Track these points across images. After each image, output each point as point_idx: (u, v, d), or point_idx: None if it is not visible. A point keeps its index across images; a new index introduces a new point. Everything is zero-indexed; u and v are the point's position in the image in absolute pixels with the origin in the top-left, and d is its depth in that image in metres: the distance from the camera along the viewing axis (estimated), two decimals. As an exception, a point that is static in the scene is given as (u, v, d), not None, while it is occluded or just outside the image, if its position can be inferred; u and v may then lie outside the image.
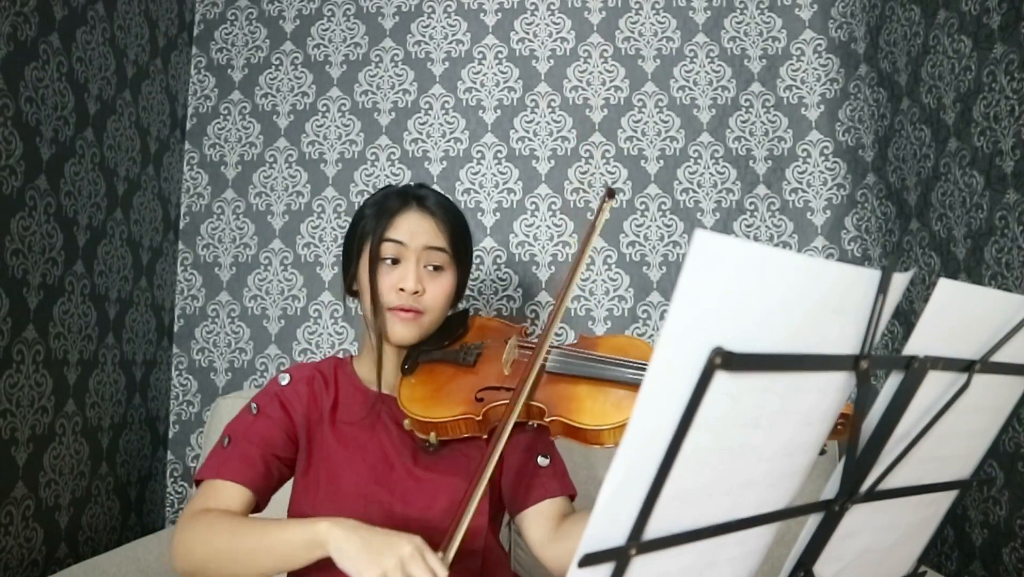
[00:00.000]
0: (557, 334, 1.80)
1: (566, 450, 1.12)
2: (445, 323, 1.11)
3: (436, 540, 1.00)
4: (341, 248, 1.16)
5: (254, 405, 1.05)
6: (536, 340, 1.04)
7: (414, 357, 1.07)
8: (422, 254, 1.04)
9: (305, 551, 0.82)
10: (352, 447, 1.04)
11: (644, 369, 0.87)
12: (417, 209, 1.06)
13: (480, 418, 0.95)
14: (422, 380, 1.04)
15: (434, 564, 0.77)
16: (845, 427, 0.82)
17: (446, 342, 1.10)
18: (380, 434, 1.05)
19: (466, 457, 1.05)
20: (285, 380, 1.08)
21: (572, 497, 1.09)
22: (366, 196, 1.85)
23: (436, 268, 1.06)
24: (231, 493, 0.96)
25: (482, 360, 1.05)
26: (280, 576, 0.90)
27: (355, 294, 1.11)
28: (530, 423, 0.95)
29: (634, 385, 0.90)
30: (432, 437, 0.98)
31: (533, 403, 0.94)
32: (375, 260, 1.03)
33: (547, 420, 0.92)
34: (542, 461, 1.08)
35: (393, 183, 1.87)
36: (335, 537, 0.80)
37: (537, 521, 1.05)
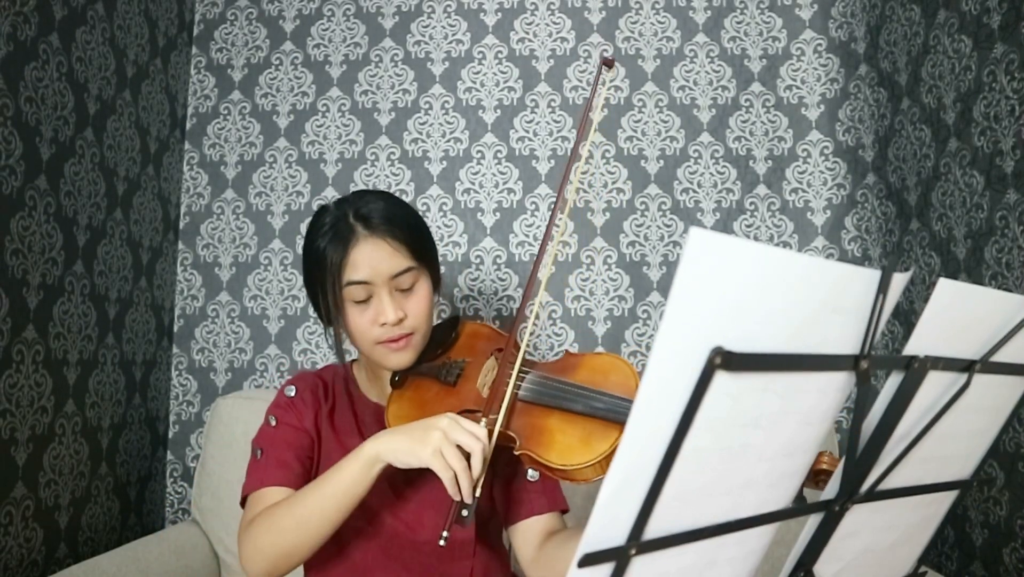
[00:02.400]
0: (558, 333, 1.80)
1: None
2: (437, 331, 1.10)
3: (426, 554, 1.03)
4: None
5: (272, 418, 1.07)
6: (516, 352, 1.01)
7: (402, 371, 1.07)
8: (389, 283, 1.00)
9: (365, 473, 0.89)
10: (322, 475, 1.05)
11: (617, 401, 0.88)
12: (369, 236, 0.99)
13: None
14: (408, 396, 1.05)
15: (471, 427, 0.87)
16: (822, 480, 0.83)
17: (439, 351, 1.10)
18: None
19: None
20: (292, 392, 1.10)
21: (564, 511, 1.08)
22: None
23: (409, 288, 1.02)
24: (276, 496, 0.99)
25: (462, 379, 1.04)
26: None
27: (330, 322, 1.08)
28: (503, 446, 0.95)
29: (604, 419, 0.88)
30: None
31: (505, 431, 0.93)
32: (341, 306, 1.00)
33: (517, 452, 0.92)
34: (531, 475, 1.08)
35: (393, 183, 1.88)
36: (382, 446, 0.88)
37: (523, 538, 1.05)
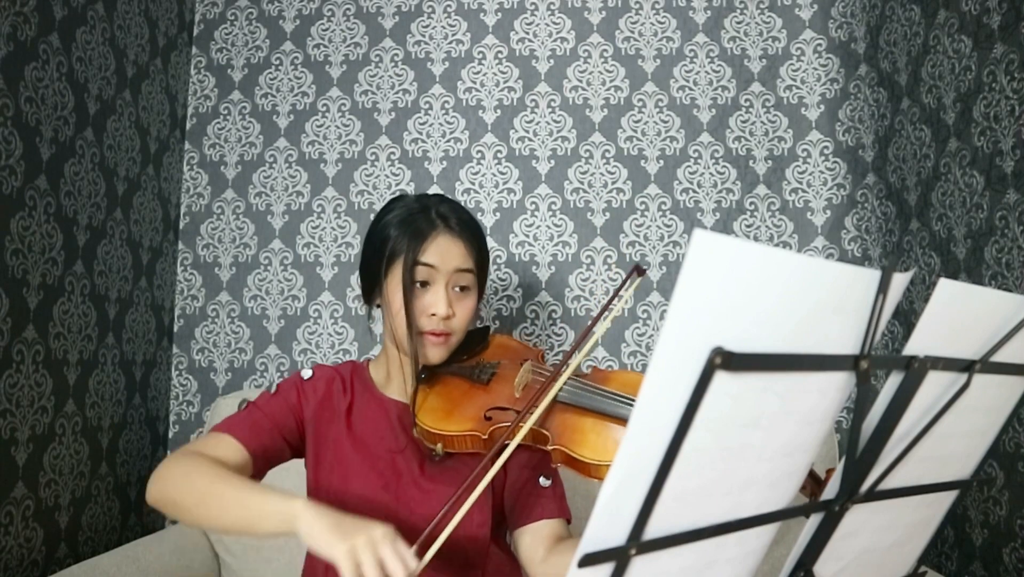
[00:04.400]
0: (558, 333, 1.80)
1: (568, 476, 1.12)
2: (466, 338, 1.12)
3: (438, 555, 1.02)
4: (359, 263, 1.15)
5: (275, 386, 1.09)
6: (550, 367, 1.06)
7: (431, 369, 1.09)
8: (451, 277, 1.05)
9: (274, 522, 0.82)
10: (364, 452, 1.06)
11: None
12: (446, 231, 1.06)
13: (486, 437, 0.96)
14: (437, 392, 1.05)
15: (404, 552, 0.75)
16: (809, 486, 0.83)
17: (465, 357, 1.11)
18: (391, 440, 1.07)
19: (470, 469, 1.05)
20: (308, 375, 1.12)
21: (568, 521, 1.10)
22: (366, 196, 1.86)
23: (463, 289, 1.07)
24: (231, 448, 0.98)
25: (496, 379, 1.06)
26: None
27: (377, 306, 1.12)
28: (535, 446, 0.96)
29: None
30: (439, 447, 0.99)
31: (539, 429, 0.94)
32: (408, 284, 1.03)
33: (549, 448, 0.93)
34: (544, 481, 1.09)
35: (393, 183, 1.88)
36: (307, 517, 0.79)
37: (532, 539, 1.06)
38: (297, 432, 1.07)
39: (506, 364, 1.09)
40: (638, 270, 1.02)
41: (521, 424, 0.92)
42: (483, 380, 1.05)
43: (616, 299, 1.07)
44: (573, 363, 0.96)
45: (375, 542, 0.75)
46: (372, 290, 1.10)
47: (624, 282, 1.04)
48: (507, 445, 0.90)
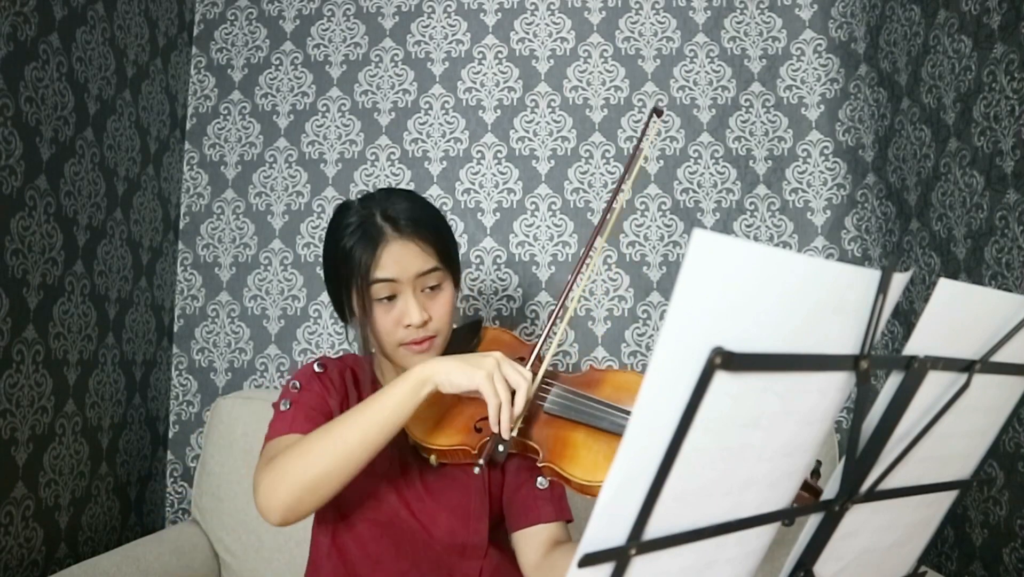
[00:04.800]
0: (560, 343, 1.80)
1: None
2: (458, 333, 1.10)
3: (437, 553, 1.03)
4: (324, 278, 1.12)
5: (296, 383, 1.06)
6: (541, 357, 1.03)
7: None
8: (416, 282, 1.00)
9: (413, 395, 0.88)
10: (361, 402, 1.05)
11: None
12: (396, 237, 0.99)
13: (475, 451, 0.95)
14: (428, 399, 1.04)
15: (520, 369, 0.90)
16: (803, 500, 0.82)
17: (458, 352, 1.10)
18: (398, 438, 1.05)
19: (463, 484, 1.06)
20: (320, 368, 1.09)
21: (569, 521, 1.09)
22: (366, 196, 1.86)
23: (433, 288, 1.03)
24: None
25: None
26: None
27: (350, 319, 1.09)
28: (528, 456, 0.95)
29: None
30: (432, 459, 0.98)
31: (529, 442, 0.94)
32: (367, 304, 1.00)
33: (540, 464, 0.92)
34: (541, 483, 1.07)
35: (393, 183, 1.87)
36: (434, 368, 0.89)
37: (529, 544, 1.05)
38: (333, 417, 1.05)
39: None
40: (657, 111, 1.01)
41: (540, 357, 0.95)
42: None
43: (641, 144, 1.04)
44: (599, 243, 0.98)
45: (500, 363, 0.88)
46: (343, 308, 1.07)
47: (646, 125, 1.02)
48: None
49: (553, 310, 1.01)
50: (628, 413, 0.91)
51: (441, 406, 1.02)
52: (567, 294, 1.01)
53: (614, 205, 1.00)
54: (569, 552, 0.99)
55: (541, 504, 1.06)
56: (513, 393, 0.88)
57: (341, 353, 1.81)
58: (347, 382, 1.09)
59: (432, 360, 0.91)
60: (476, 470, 0.90)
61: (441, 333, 1.04)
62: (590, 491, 0.89)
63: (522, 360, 1.06)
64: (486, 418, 0.97)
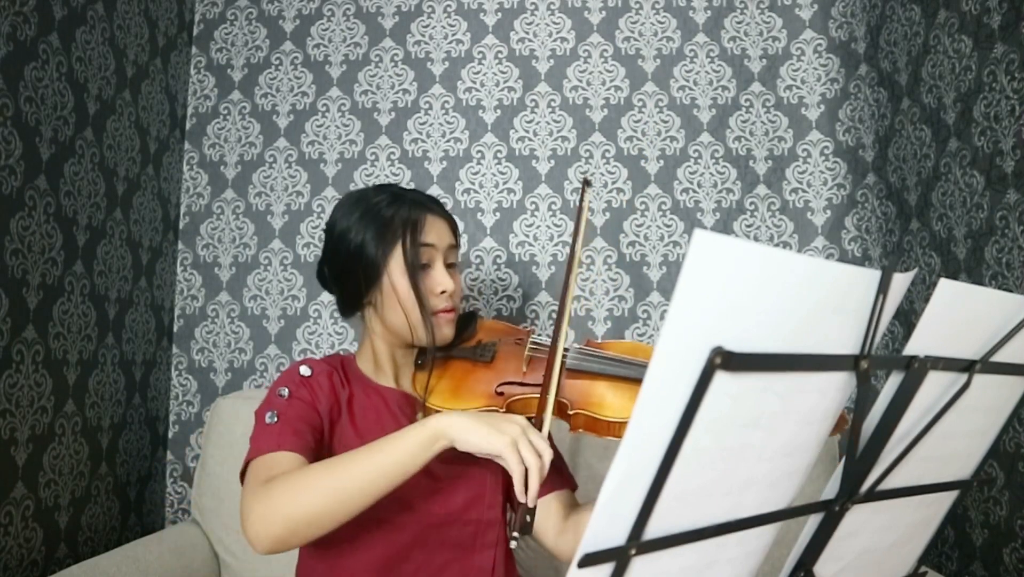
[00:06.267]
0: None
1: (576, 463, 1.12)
2: (457, 323, 1.12)
3: (458, 531, 1.04)
4: (328, 270, 1.12)
5: (284, 390, 1.02)
6: (547, 340, 1.06)
7: (426, 355, 1.08)
8: (447, 253, 1.08)
9: (425, 449, 0.84)
10: (371, 441, 1.04)
11: None
12: (430, 211, 1.07)
13: (503, 410, 0.96)
14: (439, 375, 1.06)
15: (541, 435, 0.86)
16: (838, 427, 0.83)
17: (456, 342, 1.11)
18: (393, 429, 1.05)
19: (477, 462, 1.04)
20: (307, 371, 1.06)
21: (574, 489, 1.12)
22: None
23: (451, 265, 1.09)
24: (291, 462, 0.90)
25: (499, 357, 1.07)
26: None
27: (361, 308, 1.10)
28: (554, 415, 0.97)
29: None
30: None
31: (559, 398, 0.96)
32: (416, 268, 1.03)
33: (571, 413, 0.95)
34: None
35: (393, 183, 1.87)
36: (452, 424, 0.85)
37: (545, 514, 1.07)
38: (323, 427, 1.03)
39: (504, 342, 1.10)
40: (585, 182, 1.03)
41: (547, 393, 0.93)
42: (486, 359, 1.05)
43: (578, 227, 1.02)
44: (566, 312, 0.96)
45: (525, 430, 0.84)
46: (357, 293, 1.07)
47: (582, 198, 1.01)
48: (543, 414, 0.91)
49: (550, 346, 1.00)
50: (642, 364, 0.95)
51: (455, 378, 1.04)
52: (556, 338, 0.99)
53: (572, 265, 1.00)
54: (586, 513, 1.02)
55: (550, 475, 1.06)
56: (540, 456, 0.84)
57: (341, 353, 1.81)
58: (336, 383, 1.07)
59: (450, 414, 0.87)
60: (512, 544, 0.86)
61: (457, 309, 1.09)
62: (622, 430, 0.89)
63: (519, 342, 1.09)
64: (506, 382, 1.00)
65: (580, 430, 0.96)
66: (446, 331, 1.06)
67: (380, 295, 1.06)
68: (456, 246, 1.11)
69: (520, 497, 0.82)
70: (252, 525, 0.83)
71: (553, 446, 1.10)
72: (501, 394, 0.98)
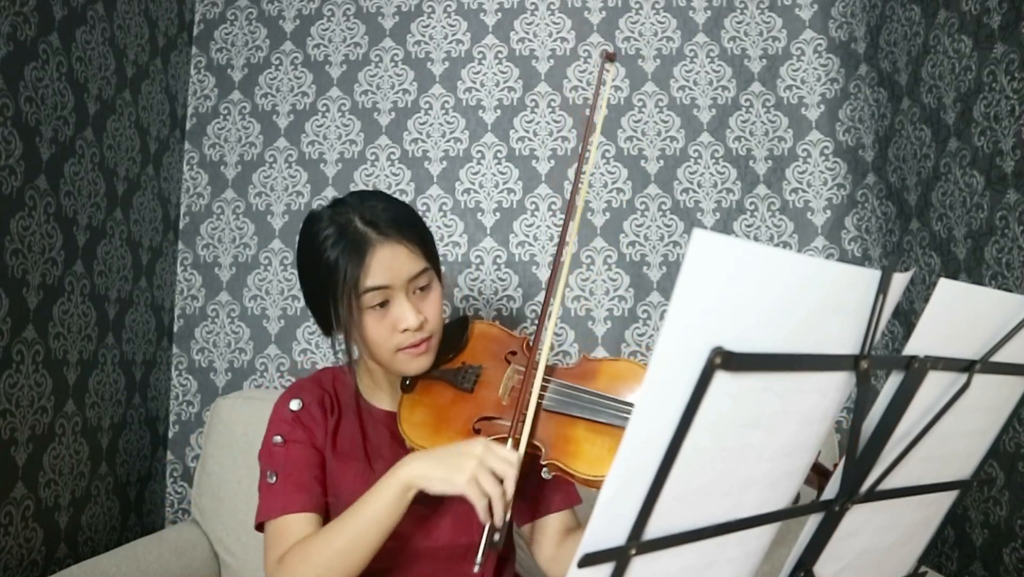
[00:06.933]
0: (557, 333, 1.80)
1: None
2: (446, 331, 1.08)
3: (440, 560, 1.02)
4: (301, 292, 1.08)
5: (278, 437, 1.02)
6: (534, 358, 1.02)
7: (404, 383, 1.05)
8: (408, 286, 0.97)
9: (399, 501, 0.88)
10: (354, 469, 1.02)
11: None
12: (382, 241, 0.95)
13: None
14: (421, 401, 1.02)
15: (504, 452, 0.85)
16: (815, 480, 0.82)
17: (450, 354, 1.07)
18: (384, 451, 1.04)
19: None
20: (296, 405, 1.04)
21: (579, 502, 1.09)
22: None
23: (423, 289, 1.00)
24: (301, 524, 0.96)
25: (480, 385, 1.02)
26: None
27: (338, 331, 1.05)
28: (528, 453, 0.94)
29: None
30: None
31: (532, 441, 0.93)
32: (359, 313, 0.96)
33: (543, 462, 0.92)
34: (545, 474, 1.07)
35: (393, 183, 1.87)
36: (415, 472, 0.87)
37: (541, 535, 1.05)
38: (323, 460, 1.03)
39: (489, 367, 1.05)
40: (608, 56, 0.96)
41: (518, 432, 0.91)
42: (467, 387, 1.01)
43: (595, 106, 0.98)
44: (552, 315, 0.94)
45: (482, 459, 0.84)
46: (328, 322, 1.02)
47: (600, 74, 0.96)
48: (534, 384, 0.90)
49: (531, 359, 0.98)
50: (627, 404, 0.91)
51: (437, 407, 1.01)
52: (552, 284, 0.98)
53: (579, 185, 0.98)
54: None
55: (549, 494, 1.06)
56: (502, 481, 0.84)
57: (340, 355, 1.81)
58: (327, 409, 1.05)
59: (413, 459, 0.88)
60: (476, 569, 0.84)
61: (436, 333, 1.01)
62: (595, 485, 0.89)
63: (512, 354, 1.05)
64: (485, 418, 0.97)
65: (553, 476, 0.93)
66: (415, 365, 1.00)
67: (347, 329, 1.01)
68: (426, 269, 0.99)
69: (485, 521, 0.84)
70: None
71: None
72: (478, 431, 0.96)
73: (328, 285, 0.96)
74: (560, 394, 0.96)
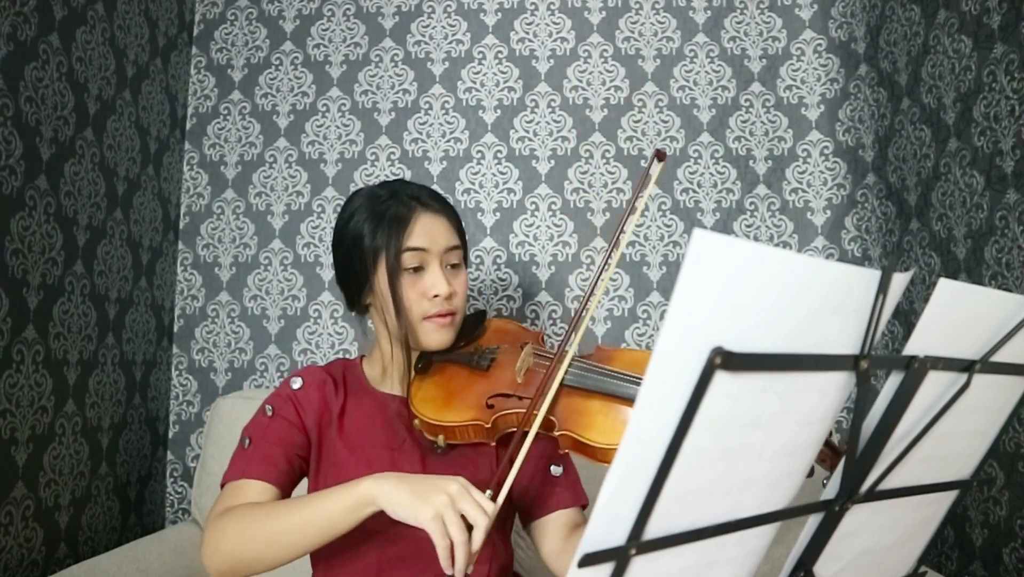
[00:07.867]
0: (557, 333, 1.80)
1: (579, 462, 1.11)
2: (463, 324, 1.09)
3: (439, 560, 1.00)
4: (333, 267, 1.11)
5: (269, 407, 1.04)
6: (552, 350, 1.02)
7: (427, 357, 1.06)
8: (442, 256, 1.03)
9: (353, 512, 0.83)
10: (360, 453, 1.03)
11: None
12: (425, 210, 1.03)
13: (489, 425, 0.94)
14: (435, 381, 1.03)
15: (480, 498, 0.80)
16: (828, 457, 0.81)
17: (462, 343, 1.09)
18: (388, 437, 1.04)
19: (473, 464, 1.04)
20: (297, 384, 1.06)
21: (585, 505, 1.08)
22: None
23: (454, 266, 1.05)
24: (256, 490, 0.95)
25: (496, 365, 1.03)
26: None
27: (363, 309, 1.09)
28: (542, 433, 0.93)
29: None
30: (440, 440, 0.97)
31: (546, 415, 0.92)
32: (396, 273, 1.00)
33: (556, 433, 0.91)
34: (555, 470, 1.07)
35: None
36: (383, 491, 0.82)
37: (549, 532, 1.05)
38: (307, 446, 1.03)
39: (506, 349, 1.06)
40: (659, 155, 0.97)
41: (535, 412, 0.89)
42: (483, 366, 1.02)
43: (641, 192, 0.99)
44: (583, 322, 0.93)
45: (454, 499, 0.79)
46: (360, 294, 1.06)
47: (647, 170, 0.97)
48: (526, 433, 0.87)
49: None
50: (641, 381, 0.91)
51: (450, 384, 1.01)
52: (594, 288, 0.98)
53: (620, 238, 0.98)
54: None
55: (558, 491, 1.06)
56: (471, 528, 0.78)
57: (341, 354, 1.81)
58: (327, 393, 1.06)
59: (382, 479, 0.83)
60: None
61: (460, 311, 1.05)
62: (608, 456, 0.87)
63: (524, 347, 1.05)
64: (499, 395, 0.96)
65: (568, 450, 0.91)
66: (438, 336, 1.03)
67: (373, 296, 1.04)
68: (459, 246, 1.06)
69: (446, 570, 0.77)
70: (205, 553, 0.89)
71: (566, 460, 1.09)
72: (491, 407, 0.95)
73: (370, 243, 1.01)
74: (578, 369, 0.96)
